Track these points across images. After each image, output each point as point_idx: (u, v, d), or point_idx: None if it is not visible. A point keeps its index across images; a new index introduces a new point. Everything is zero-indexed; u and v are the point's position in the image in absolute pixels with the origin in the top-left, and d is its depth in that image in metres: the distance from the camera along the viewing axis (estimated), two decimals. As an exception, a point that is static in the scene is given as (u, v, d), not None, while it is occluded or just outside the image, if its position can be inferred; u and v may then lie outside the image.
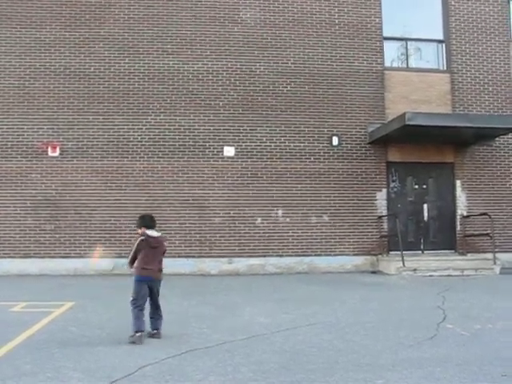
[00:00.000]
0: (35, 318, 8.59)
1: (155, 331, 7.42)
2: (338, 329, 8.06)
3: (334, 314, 9.26)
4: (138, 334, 7.07)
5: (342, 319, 8.82)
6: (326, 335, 7.62)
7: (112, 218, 15.45)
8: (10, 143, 15.42)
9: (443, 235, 16.86)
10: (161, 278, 7.66)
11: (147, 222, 7.70)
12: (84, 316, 9.00)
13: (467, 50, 17.21)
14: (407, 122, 14.18)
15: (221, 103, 15.99)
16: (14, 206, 15.29)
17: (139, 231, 7.72)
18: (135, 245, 7.50)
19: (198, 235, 15.57)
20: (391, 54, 17.53)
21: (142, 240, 7.48)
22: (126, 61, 15.89)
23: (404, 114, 14.39)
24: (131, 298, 7.38)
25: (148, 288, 7.44)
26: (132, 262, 7.50)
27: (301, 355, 6.52)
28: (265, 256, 15.72)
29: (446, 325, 8.25)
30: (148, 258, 7.44)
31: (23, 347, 6.78)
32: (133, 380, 5.48)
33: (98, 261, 15.06)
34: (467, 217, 16.71)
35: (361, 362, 6.24)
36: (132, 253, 7.50)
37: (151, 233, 7.60)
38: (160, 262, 7.65)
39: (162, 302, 7.67)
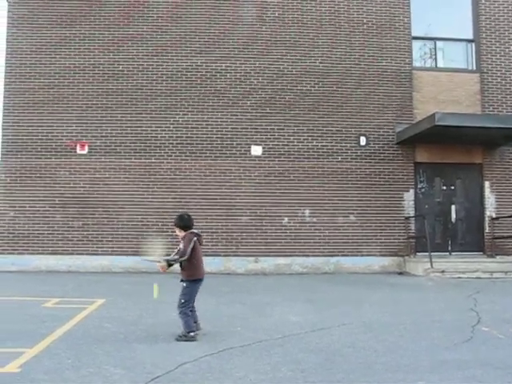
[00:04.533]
0: (69, 314, 8.65)
1: (195, 323, 7.36)
2: (371, 329, 8.01)
3: (366, 315, 9.21)
4: (192, 334, 7.11)
5: (374, 320, 8.77)
6: (361, 335, 7.58)
7: (139, 216, 15.54)
8: (39, 141, 15.58)
9: (471, 237, 16.73)
10: None
11: (188, 222, 7.53)
12: (116, 313, 9.04)
13: (497, 49, 17.06)
14: (437, 123, 14.09)
15: (248, 102, 16.01)
16: (43, 203, 15.43)
17: (179, 232, 7.51)
18: (191, 242, 7.28)
19: (224, 234, 15.61)
20: (420, 53, 17.42)
21: (197, 238, 7.38)
22: (155, 60, 15.98)
23: (434, 114, 14.30)
24: (182, 301, 7.22)
25: None
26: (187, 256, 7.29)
27: (337, 355, 6.50)
28: (291, 256, 15.71)
29: (481, 327, 8.16)
30: (200, 258, 7.41)
31: (62, 342, 6.83)
32: (174, 377, 5.48)
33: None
34: (496, 218, 16.57)
35: (399, 362, 6.20)
36: (189, 249, 7.24)
37: (196, 231, 7.50)
38: None
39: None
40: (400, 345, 7.08)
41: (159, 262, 7.51)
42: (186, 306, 7.23)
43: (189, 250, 7.25)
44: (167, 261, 7.42)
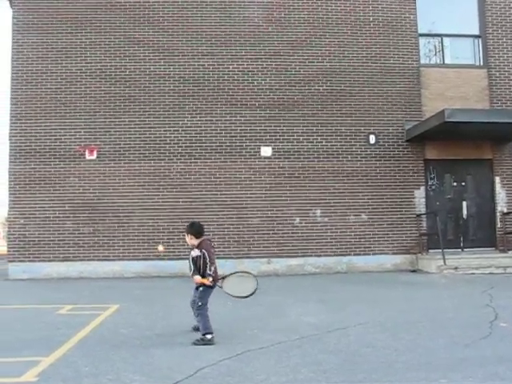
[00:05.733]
0: (84, 321, 8.61)
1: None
2: (388, 328, 7.94)
3: (382, 314, 9.13)
4: (209, 336, 7.08)
5: (390, 318, 8.69)
6: (378, 335, 7.50)
7: (150, 220, 15.51)
8: (48, 147, 15.57)
9: (483, 233, 16.65)
10: None
11: (200, 229, 7.54)
12: (131, 318, 8.99)
13: (504, 44, 16.98)
14: (447, 119, 14.01)
15: (257, 103, 15.97)
16: (53, 210, 15.41)
17: (191, 239, 7.48)
18: (209, 253, 7.34)
19: (236, 236, 15.56)
20: (427, 50, 17.34)
21: (212, 246, 7.51)
22: (162, 63, 15.95)
23: (443, 110, 14.23)
24: (200, 304, 7.25)
25: None
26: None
27: (357, 355, 6.42)
28: (303, 256, 15.65)
29: (499, 323, 8.07)
30: (215, 264, 7.44)
31: (78, 349, 6.78)
32: (194, 382, 5.41)
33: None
34: (507, 213, 16.49)
35: (419, 361, 6.12)
36: (214, 262, 7.36)
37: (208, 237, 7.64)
38: None
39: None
40: (418, 343, 7.01)
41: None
42: (204, 309, 7.26)
43: (213, 256, 7.37)
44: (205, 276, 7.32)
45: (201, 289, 7.34)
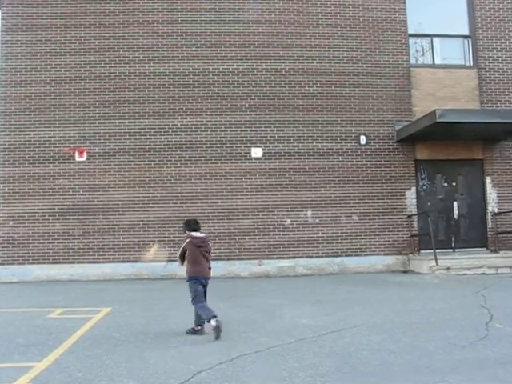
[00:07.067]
0: (76, 325, 8.51)
1: (199, 327, 7.79)
2: (384, 330, 7.89)
3: (377, 315, 9.08)
4: (214, 320, 7.40)
5: (385, 320, 8.65)
6: (374, 336, 7.45)
7: (140, 222, 15.38)
8: (37, 149, 15.41)
9: (474, 233, 16.63)
10: (210, 276, 8.09)
11: (192, 225, 8.21)
12: (124, 321, 8.89)
13: (494, 44, 16.98)
14: (438, 120, 13.96)
15: (247, 104, 15.88)
16: (43, 212, 15.26)
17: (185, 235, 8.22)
18: (183, 244, 8.01)
19: (227, 237, 15.47)
20: (417, 50, 17.32)
21: (189, 241, 7.93)
22: (151, 64, 15.83)
23: (434, 111, 14.17)
24: (191, 298, 7.80)
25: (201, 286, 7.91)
26: (182, 257, 7.97)
27: (354, 358, 6.37)
28: (295, 257, 15.58)
29: (494, 324, 8.06)
30: (197, 258, 7.91)
31: (71, 354, 6.68)
32: (190, 387, 5.37)
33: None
34: (498, 214, 16.48)
35: (417, 364, 6.08)
36: (181, 249, 8.01)
37: (196, 234, 8.05)
38: (208, 260, 8.10)
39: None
40: (416, 345, 6.96)
41: None
42: (197, 302, 7.75)
43: (180, 251, 8.03)
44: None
45: (187, 282, 7.99)
